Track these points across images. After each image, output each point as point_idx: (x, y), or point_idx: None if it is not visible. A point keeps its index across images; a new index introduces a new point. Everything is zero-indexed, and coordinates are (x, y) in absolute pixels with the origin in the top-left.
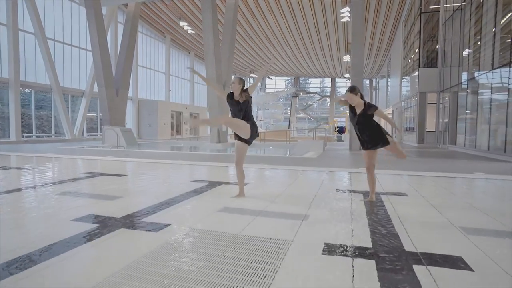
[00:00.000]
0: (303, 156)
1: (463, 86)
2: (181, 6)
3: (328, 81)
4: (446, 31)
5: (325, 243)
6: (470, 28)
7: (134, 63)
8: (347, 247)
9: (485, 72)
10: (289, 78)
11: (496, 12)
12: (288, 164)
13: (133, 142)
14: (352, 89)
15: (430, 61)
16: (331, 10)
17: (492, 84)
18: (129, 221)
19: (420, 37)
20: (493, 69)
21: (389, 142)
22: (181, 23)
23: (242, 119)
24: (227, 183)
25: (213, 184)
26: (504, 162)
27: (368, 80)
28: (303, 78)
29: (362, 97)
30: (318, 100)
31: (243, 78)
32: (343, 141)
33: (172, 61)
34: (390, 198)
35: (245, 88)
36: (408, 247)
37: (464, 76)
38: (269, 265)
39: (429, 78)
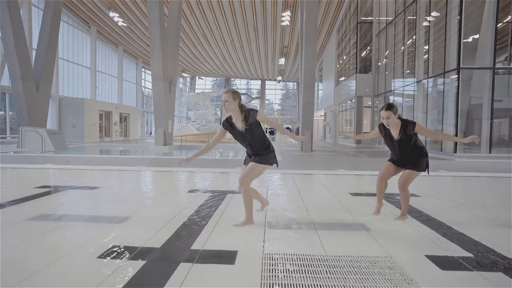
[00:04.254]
0: None
1: (394, 92)
2: None
3: (255, 83)
4: (379, 41)
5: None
6: (397, 42)
7: None
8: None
9: (401, 81)
10: (215, 78)
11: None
12: None
13: (63, 146)
14: (391, 106)
15: (365, 67)
16: (271, 13)
17: (414, 91)
18: (181, 252)
19: (356, 45)
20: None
21: (422, 170)
22: (111, 14)
23: (252, 153)
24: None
25: (223, 195)
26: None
27: (296, 83)
28: (226, 79)
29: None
30: (249, 101)
31: (237, 90)
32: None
33: (98, 55)
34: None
35: (243, 105)
36: None
37: (394, 84)
38: None
39: (365, 83)
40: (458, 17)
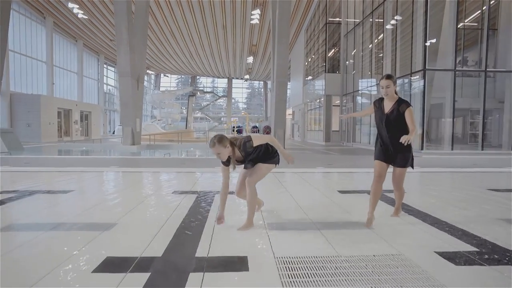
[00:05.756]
0: None
1: (363, 91)
2: None
3: (221, 81)
4: (347, 42)
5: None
6: (365, 42)
7: None
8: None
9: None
10: (180, 76)
11: (374, 31)
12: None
13: (18, 146)
14: (391, 76)
15: (333, 67)
16: (241, 11)
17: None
18: (186, 261)
19: (326, 45)
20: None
21: (408, 165)
22: (70, 5)
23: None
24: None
25: (203, 194)
26: None
27: (263, 82)
28: (193, 77)
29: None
30: (216, 100)
31: (223, 136)
32: None
33: (55, 49)
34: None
35: (233, 143)
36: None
37: (362, 84)
38: None
39: (334, 82)
40: (423, 21)
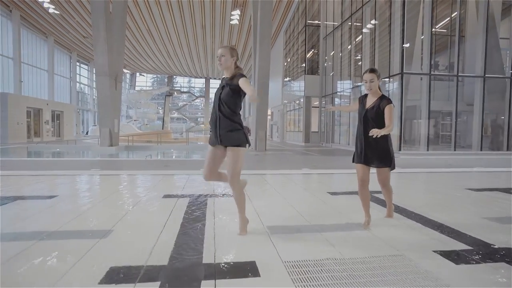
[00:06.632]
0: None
1: (339, 93)
2: None
3: (198, 81)
4: (326, 44)
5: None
6: (344, 46)
7: None
8: None
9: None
10: (156, 76)
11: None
12: (224, 168)
13: None
14: (374, 70)
15: (312, 69)
16: (220, 11)
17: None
18: (195, 268)
19: (305, 47)
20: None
21: (389, 165)
22: None
23: (218, 126)
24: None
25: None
26: None
27: None
28: (169, 76)
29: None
30: (193, 100)
31: (235, 48)
32: None
33: (23, 45)
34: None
35: (239, 66)
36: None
37: (342, 85)
38: None
39: (313, 84)
40: (401, 23)
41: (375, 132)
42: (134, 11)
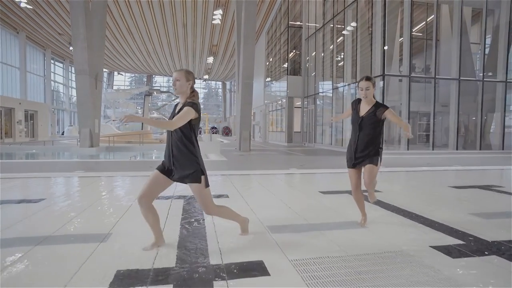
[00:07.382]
0: (211, 159)
1: (325, 94)
2: None
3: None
4: (308, 45)
5: None
6: (326, 47)
7: None
8: None
9: (330, 84)
10: (134, 75)
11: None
12: (212, 169)
13: None
14: (370, 78)
15: (294, 70)
16: (202, 11)
17: (344, 93)
18: (204, 269)
19: (287, 48)
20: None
21: (377, 163)
22: None
23: (172, 157)
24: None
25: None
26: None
27: (221, 82)
28: (148, 75)
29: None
30: (173, 100)
31: (192, 72)
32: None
33: None
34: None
35: (195, 91)
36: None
37: (323, 86)
38: None
39: (295, 84)
40: (382, 24)
41: (409, 134)
42: (113, 8)
